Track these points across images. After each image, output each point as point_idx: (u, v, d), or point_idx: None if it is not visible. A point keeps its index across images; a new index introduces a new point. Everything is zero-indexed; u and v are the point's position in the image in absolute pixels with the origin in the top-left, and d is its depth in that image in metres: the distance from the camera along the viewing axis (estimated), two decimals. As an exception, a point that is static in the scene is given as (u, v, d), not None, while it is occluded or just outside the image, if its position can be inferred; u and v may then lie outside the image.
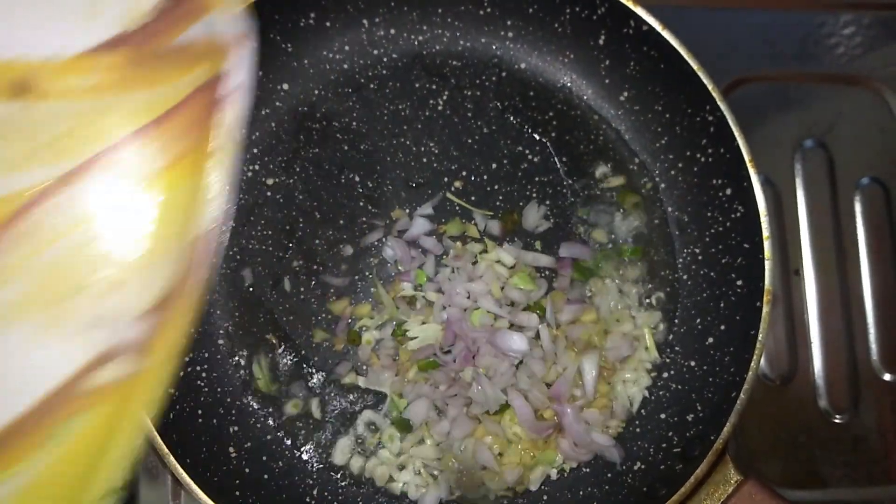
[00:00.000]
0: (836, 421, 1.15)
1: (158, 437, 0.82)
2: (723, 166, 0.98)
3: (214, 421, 0.93)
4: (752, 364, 0.89)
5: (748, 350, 0.90)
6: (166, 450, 0.81)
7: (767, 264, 0.91)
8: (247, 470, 0.92)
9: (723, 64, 1.23)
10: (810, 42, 1.27)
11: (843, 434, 1.14)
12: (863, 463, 1.14)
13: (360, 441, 0.97)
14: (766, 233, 0.92)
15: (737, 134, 0.94)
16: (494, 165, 1.04)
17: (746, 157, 0.94)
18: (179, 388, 0.91)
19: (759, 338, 0.90)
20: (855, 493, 1.13)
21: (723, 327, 0.97)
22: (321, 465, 0.96)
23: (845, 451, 1.14)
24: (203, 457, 0.88)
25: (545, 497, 0.97)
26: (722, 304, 0.98)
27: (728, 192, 0.98)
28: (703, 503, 0.87)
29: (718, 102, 0.95)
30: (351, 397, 0.98)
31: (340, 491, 0.95)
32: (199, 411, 0.92)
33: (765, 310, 0.90)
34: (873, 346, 1.17)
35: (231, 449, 0.92)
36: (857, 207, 1.22)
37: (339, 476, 0.96)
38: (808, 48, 1.27)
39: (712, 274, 1.01)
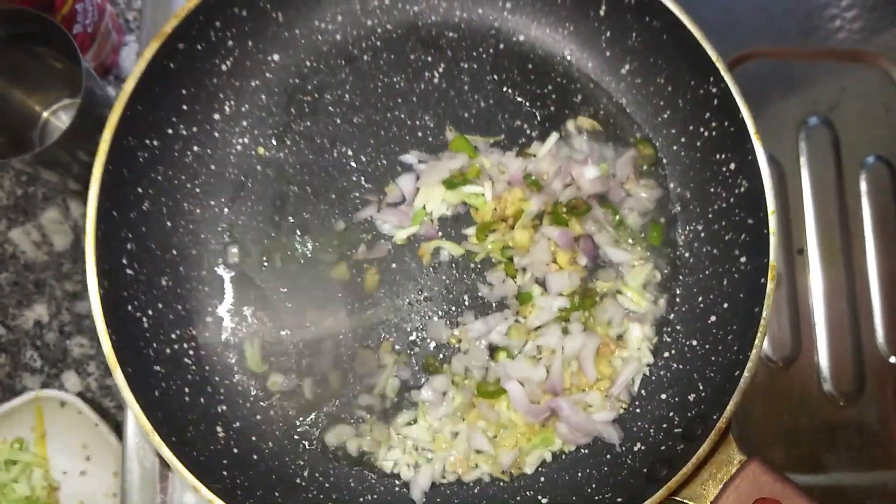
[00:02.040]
0: (841, 405, 1.12)
1: (142, 415, 0.79)
2: (727, 140, 0.95)
3: (202, 400, 0.90)
4: (756, 342, 0.86)
5: (752, 328, 0.87)
6: (150, 427, 0.79)
7: (772, 239, 0.88)
8: (235, 450, 0.89)
9: (724, 40, 1.18)
10: (814, 18, 1.24)
11: (848, 418, 1.12)
12: (867, 447, 1.12)
13: (353, 422, 0.94)
14: (770, 207, 0.89)
15: (742, 106, 0.91)
16: (492, 140, 1.01)
17: (751, 130, 0.91)
18: (165, 367, 0.88)
19: (764, 315, 0.87)
20: (859, 477, 1.10)
21: (725, 305, 0.95)
22: (313, 446, 0.93)
23: (850, 436, 1.12)
24: (189, 436, 0.85)
25: (542, 479, 0.94)
26: (725, 282, 0.96)
27: (732, 166, 0.95)
28: (706, 484, 0.84)
29: (723, 73, 0.92)
30: (346, 378, 0.95)
31: (332, 472, 0.92)
32: (186, 390, 0.89)
33: (769, 286, 0.87)
34: (879, 327, 1.14)
35: (219, 428, 0.89)
36: (863, 186, 1.20)
37: (331, 456, 0.93)
38: (811, 24, 1.24)
39: (715, 251, 0.98)
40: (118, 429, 1.14)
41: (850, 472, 1.10)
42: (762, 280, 0.88)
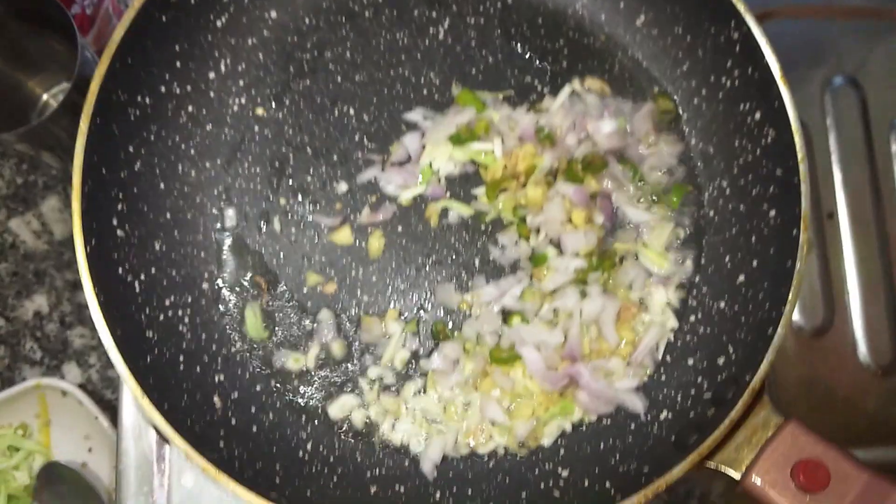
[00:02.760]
0: (879, 375, 1.05)
1: (131, 378, 0.73)
2: (751, 88, 0.90)
3: (198, 368, 0.85)
4: (791, 297, 0.80)
5: (785, 283, 0.81)
6: (139, 390, 0.73)
7: (804, 188, 0.82)
8: (233, 421, 0.83)
9: None
10: (838, -25, 1.19)
11: (886, 388, 1.05)
12: (909, 421, 1.05)
13: (358, 393, 0.89)
14: (800, 154, 0.83)
15: (766, 49, 0.86)
16: (501, 95, 0.96)
17: (777, 74, 0.85)
18: (159, 333, 0.83)
19: (797, 267, 0.81)
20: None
21: (755, 263, 0.89)
22: (316, 419, 0.88)
23: (888, 407, 1.05)
24: (184, 404, 0.80)
25: (562, 451, 0.88)
26: (753, 239, 0.90)
27: (757, 116, 0.90)
28: (741, 448, 0.78)
29: (744, 15, 0.87)
30: (351, 348, 0.90)
31: (337, 445, 0.87)
32: (181, 357, 0.84)
33: (802, 237, 0.81)
34: (916, 292, 1.08)
35: (216, 399, 0.84)
36: (893, 148, 1.14)
37: (335, 429, 0.87)
38: (835, -19, 1.19)
39: (742, 207, 0.92)
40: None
41: (891, 447, 1.03)
42: (794, 232, 0.82)
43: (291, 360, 0.89)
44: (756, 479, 0.75)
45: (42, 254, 1.34)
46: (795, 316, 1.06)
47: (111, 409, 1.19)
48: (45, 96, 1.23)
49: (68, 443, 1.23)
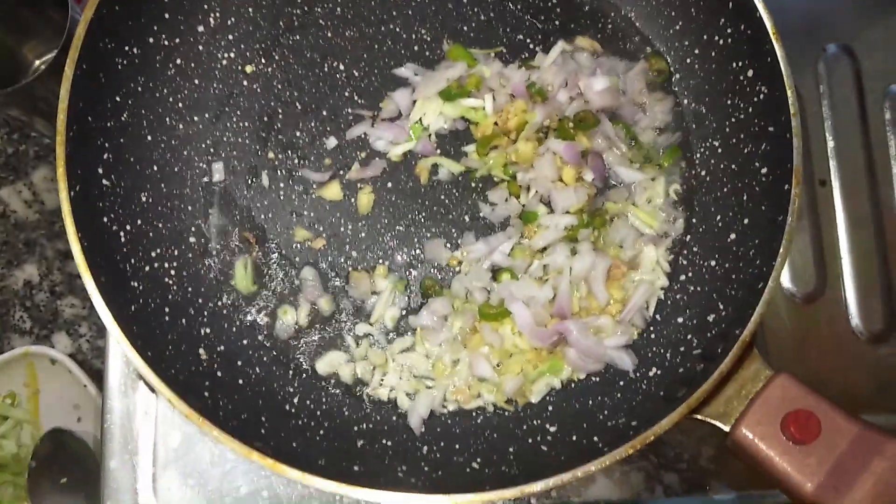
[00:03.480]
0: (870, 343, 1.05)
1: (114, 323, 0.72)
2: (743, 46, 0.89)
3: (183, 321, 0.84)
4: (781, 251, 0.79)
5: (776, 238, 0.80)
6: (122, 335, 0.72)
7: (796, 142, 0.82)
8: (219, 373, 0.82)
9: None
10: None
11: (878, 355, 1.05)
12: (900, 387, 1.04)
13: (346, 349, 0.88)
14: (793, 109, 0.83)
15: (759, 5, 0.85)
16: (493, 56, 0.95)
17: (770, 29, 0.85)
18: (144, 284, 0.82)
19: (789, 222, 0.80)
20: (890, 419, 1.02)
21: (746, 221, 0.88)
22: (304, 373, 0.87)
23: (880, 374, 1.04)
24: (168, 354, 0.79)
25: (550, 408, 0.87)
26: (745, 197, 0.89)
27: (750, 73, 0.89)
28: (731, 402, 0.77)
29: (737, -30, 0.86)
30: (339, 304, 0.89)
31: (325, 400, 0.86)
32: (166, 309, 0.83)
33: (794, 191, 0.81)
34: (909, 260, 1.07)
35: (201, 351, 0.83)
36: (887, 116, 1.13)
37: (323, 384, 0.87)
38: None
39: (733, 166, 0.91)
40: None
41: (884, 414, 1.02)
42: (786, 187, 0.82)
43: (279, 316, 0.89)
44: (745, 432, 0.74)
45: (33, 223, 1.33)
46: (787, 283, 1.06)
47: (100, 378, 1.18)
48: (37, 62, 1.22)
49: (57, 412, 1.22)
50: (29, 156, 1.36)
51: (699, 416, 0.77)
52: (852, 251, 1.07)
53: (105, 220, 0.81)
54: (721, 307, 0.85)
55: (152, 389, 0.81)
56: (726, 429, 0.76)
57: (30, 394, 1.24)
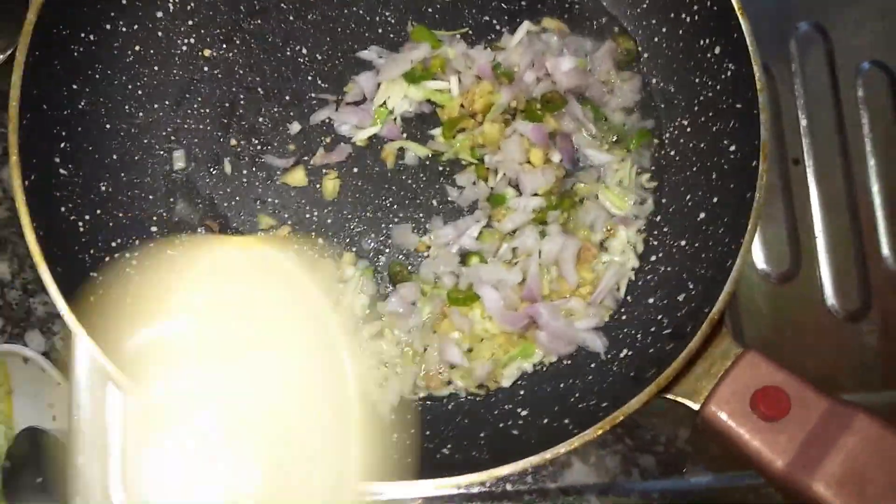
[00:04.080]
0: (846, 319, 1.04)
1: (70, 314, 0.71)
2: (710, 22, 0.88)
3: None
4: (749, 227, 0.79)
5: (744, 214, 0.80)
6: (80, 328, 0.71)
7: (763, 117, 0.81)
8: (182, 364, 0.81)
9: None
10: None
11: (854, 334, 1.04)
12: (877, 366, 1.03)
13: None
14: (759, 84, 0.82)
15: (724, -20, 0.84)
16: (458, 37, 0.94)
17: (736, 6, 0.84)
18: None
19: (756, 198, 0.79)
20: (867, 398, 1.02)
21: (715, 199, 0.87)
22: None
23: (856, 352, 1.04)
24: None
25: (521, 392, 0.86)
26: (714, 175, 0.88)
27: (717, 50, 0.88)
28: (700, 380, 0.76)
29: (701, -55, 0.85)
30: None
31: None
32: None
33: (761, 167, 0.80)
34: (883, 237, 1.07)
35: (164, 341, 0.81)
36: (860, 93, 1.12)
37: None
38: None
39: (702, 145, 0.91)
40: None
41: (862, 392, 1.02)
42: (753, 163, 0.81)
43: (244, 305, 0.87)
44: (715, 410, 0.74)
45: (3, 220, 1.31)
46: (761, 263, 1.05)
47: (74, 377, 1.17)
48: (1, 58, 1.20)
49: (31, 411, 1.19)
50: (-2, 152, 1.34)
51: (669, 396, 0.76)
52: (827, 230, 1.07)
53: (62, 209, 0.79)
54: (691, 286, 0.85)
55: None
56: (696, 407, 0.75)
57: (2, 394, 1.21)
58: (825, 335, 1.04)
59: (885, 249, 1.06)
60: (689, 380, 0.76)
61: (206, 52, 0.92)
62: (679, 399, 0.76)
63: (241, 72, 0.92)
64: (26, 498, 1.12)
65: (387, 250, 0.90)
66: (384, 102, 0.90)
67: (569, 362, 0.87)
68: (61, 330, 1.28)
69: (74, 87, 0.83)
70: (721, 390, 0.74)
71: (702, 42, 0.90)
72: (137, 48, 0.89)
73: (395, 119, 0.91)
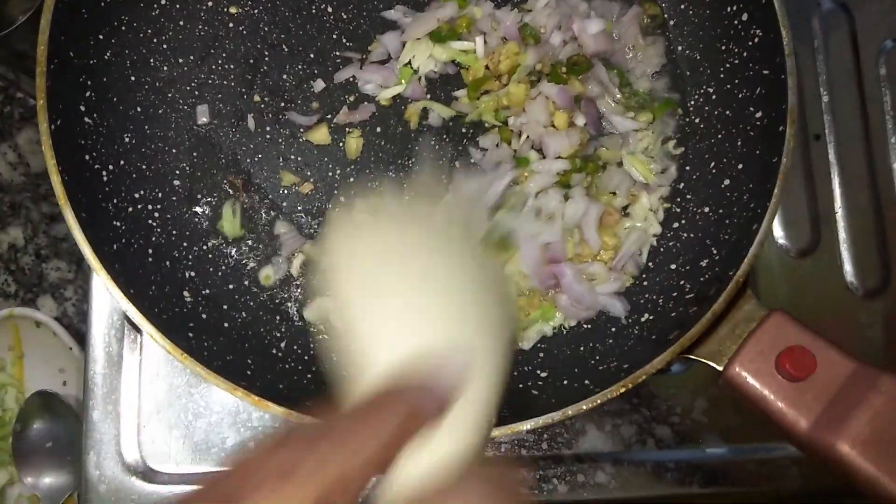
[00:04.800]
0: (864, 296, 1.04)
1: (95, 258, 0.71)
2: (738, -12, 0.88)
3: (167, 263, 0.82)
4: (776, 191, 0.78)
5: (770, 179, 0.79)
6: (104, 271, 0.70)
7: (790, 81, 0.81)
8: (203, 315, 0.81)
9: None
10: None
11: (874, 310, 1.04)
12: (895, 343, 1.03)
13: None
14: (787, 49, 0.81)
15: (753, -56, 0.84)
16: None
17: (765, -31, 0.83)
18: (127, 224, 0.80)
19: (784, 162, 0.79)
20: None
21: (740, 166, 0.87)
22: (292, 319, 0.85)
23: (876, 328, 1.03)
24: (152, 293, 0.77)
25: (541, 355, 0.86)
26: (739, 142, 0.88)
27: (744, 17, 0.88)
28: (724, 342, 0.76)
29: None
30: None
31: (313, 345, 0.84)
32: (150, 251, 0.81)
33: (789, 131, 0.80)
34: (904, 215, 1.06)
35: (186, 293, 0.81)
36: (882, 71, 1.12)
37: (311, 329, 0.85)
38: None
39: (728, 112, 0.90)
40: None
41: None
42: (780, 128, 0.80)
43: (267, 261, 0.87)
44: (739, 370, 0.73)
45: (18, 186, 1.31)
46: (781, 238, 1.04)
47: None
48: (21, 18, 1.19)
49: (42, 376, 1.20)
50: (14, 118, 1.33)
51: (692, 356, 0.76)
52: (846, 205, 1.06)
53: (87, 157, 0.79)
54: (714, 252, 0.84)
55: (136, 328, 0.79)
56: (720, 368, 0.75)
57: (14, 357, 1.21)
58: (843, 311, 1.04)
59: (906, 227, 1.06)
60: (713, 341, 0.76)
61: (232, 10, 0.91)
62: (702, 360, 0.76)
63: (266, 29, 0.91)
64: (36, 462, 1.12)
65: (409, 210, 0.89)
66: (409, 62, 0.90)
67: (589, 326, 0.87)
68: (73, 296, 1.28)
69: (101, 37, 0.83)
70: (746, 351, 0.74)
71: (729, 9, 0.89)
72: (164, 2, 0.89)
73: (419, 79, 0.91)
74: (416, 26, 0.89)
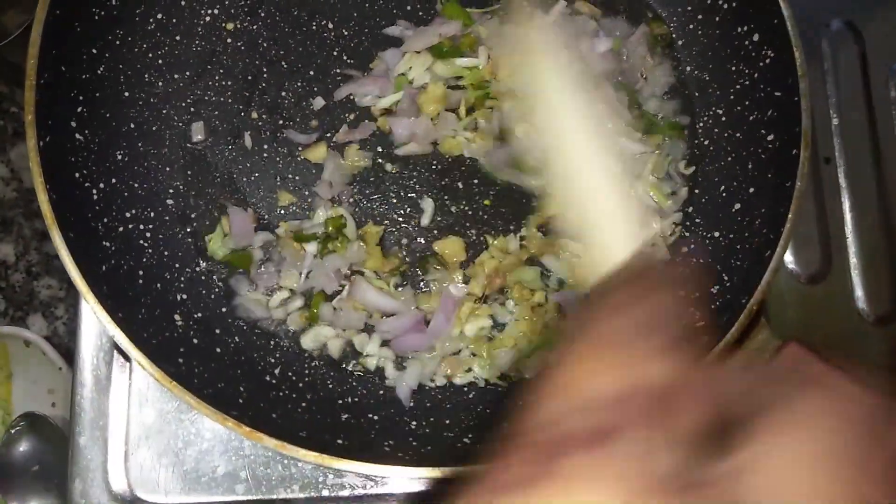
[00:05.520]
0: (876, 323, 1.01)
1: (81, 279, 0.68)
2: (748, 9, 0.86)
3: (158, 285, 0.79)
4: (791, 216, 0.76)
5: (784, 203, 0.77)
6: (89, 292, 0.68)
7: (804, 103, 0.79)
8: (195, 340, 0.78)
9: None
10: None
11: (883, 337, 1.01)
12: (905, 372, 1.00)
13: (331, 322, 0.84)
14: (800, 71, 0.79)
15: (764, -39, 0.82)
16: (489, 12, 0.91)
17: (777, -9, 0.81)
18: (116, 244, 0.77)
19: (798, 186, 0.76)
20: None
21: (751, 190, 0.85)
22: (286, 345, 0.82)
23: (885, 356, 1.00)
24: (141, 317, 0.74)
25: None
26: (750, 165, 0.86)
27: (755, 38, 0.86)
28: (736, 373, 0.73)
29: (742, -69, 0.83)
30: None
31: (308, 371, 0.81)
32: (140, 272, 0.78)
33: (803, 154, 0.77)
34: (916, 240, 1.03)
35: (177, 317, 0.78)
36: (892, 93, 1.10)
37: (306, 356, 0.82)
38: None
39: (738, 134, 0.88)
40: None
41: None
42: (794, 151, 0.78)
43: (261, 284, 0.84)
44: (753, 403, 0.70)
45: (10, 201, 1.29)
46: (791, 263, 1.02)
47: (75, 358, 1.14)
48: (16, 31, 1.18)
49: (30, 396, 1.17)
50: (7, 132, 1.31)
51: (705, 389, 0.73)
52: (857, 230, 1.04)
53: (77, 175, 0.76)
54: (725, 278, 0.82)
55: (124, 355, 0.76)
56: (733, 401, 0.72)
57: (2, 377, 1.18)
58: (854, 337, 1.01)
59: (918, 252, 1.03)
60: (726, 372, 0.73)
61: (230, 25, 0.89)
62: (715, 392, 0.73)
63: (265, 45, 0.89)
64: (22, 486, 1.09)
65: (413, 230, 0.87)
66: (405, 73, 0.88)
67: (595, 354, 0.84)
68: (64, 314, 1.26)
69: (94, 51, 0.80)
70: (760, 383, 0.71)
71: (739, 29, 0.87)
72: (160, 16, 0.86)
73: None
74: (416, 39, 0.87)
